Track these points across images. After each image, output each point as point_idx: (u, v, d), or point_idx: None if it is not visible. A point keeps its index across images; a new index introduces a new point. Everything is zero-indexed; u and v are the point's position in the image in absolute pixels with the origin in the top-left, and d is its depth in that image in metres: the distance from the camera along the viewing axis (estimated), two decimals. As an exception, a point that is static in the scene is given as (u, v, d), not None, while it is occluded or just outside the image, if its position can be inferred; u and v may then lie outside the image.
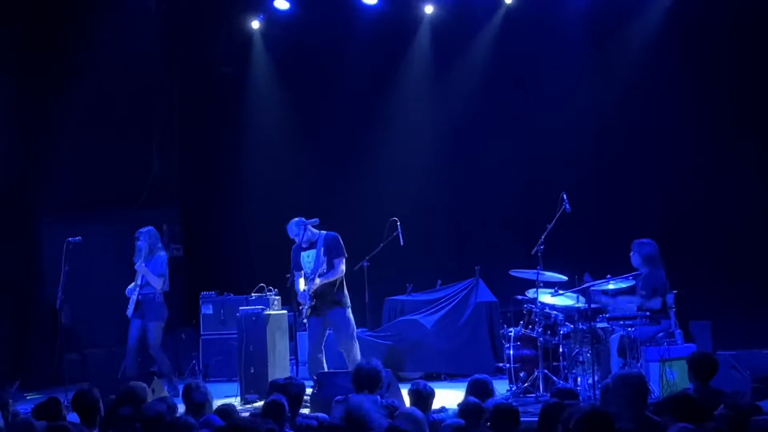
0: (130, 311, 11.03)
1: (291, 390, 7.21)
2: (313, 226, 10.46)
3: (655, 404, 6.36)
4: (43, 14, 12.82)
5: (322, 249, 10.30)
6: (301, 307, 10.37)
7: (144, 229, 11.25)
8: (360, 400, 6.30)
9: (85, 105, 13.16)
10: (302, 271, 10.43)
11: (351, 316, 10.39)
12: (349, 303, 10.41)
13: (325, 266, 10.22)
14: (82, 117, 13.21)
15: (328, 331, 10.43)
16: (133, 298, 10.97)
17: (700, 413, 5.76)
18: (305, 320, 10.43)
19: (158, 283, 11.06)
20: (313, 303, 10.23)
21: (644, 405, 6.33)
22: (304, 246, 10.40)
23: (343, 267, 10.32)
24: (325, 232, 10.44)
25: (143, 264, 11.04)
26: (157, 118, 14.49)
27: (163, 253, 11.28)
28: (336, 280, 10.31)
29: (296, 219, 10.45)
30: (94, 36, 13.22)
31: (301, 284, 10.39)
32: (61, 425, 5.78)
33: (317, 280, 10.17)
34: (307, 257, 10.41)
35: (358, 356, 10.12)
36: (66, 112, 13.09)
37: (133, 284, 11.09)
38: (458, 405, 6.75)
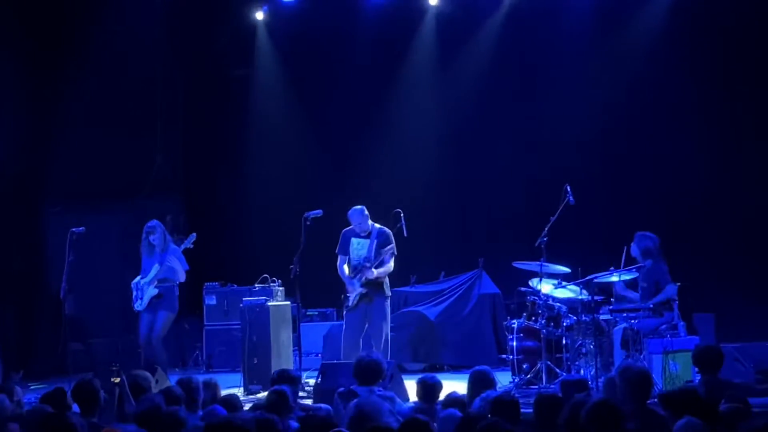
0: (142, 305, 10.91)
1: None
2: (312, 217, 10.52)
3: (657, 396, 6.36)
4: (50, 6, 12.82)
5: (376, 242, 10.36)
6: (348, 294, 10.39)
7: (155, 223, 11.12)
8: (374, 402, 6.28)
9: (89, 96, 13.17)
10: (347, 257, 10.48)
11: (389, 308, 10.48)
12: (390, 294, 10.51)
13: (372, 258, 10.28)
14: (87, 108, 13.23)
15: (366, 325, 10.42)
16: (149, 291, 10.87)
17: (704, 409, 5.76)
18: (351, 305, 10.36)
19: (183, 276, 11.02)
20: (364, 291, 10.28)
21: (647, 397, 6.35)
22: (362, 235, 10.45)
23: (393, 263, 10.41)
24: (378, 225, 10.49)
25: (172, 256, 10.96)
26: (162, 108, 14.49)
27: (176, 246, 11.27)
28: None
29: (359, 207, 10.46)
30: (99, 27, 13.22)
31: (346, 270, 10.44)
32: (61, 415, 5.78)
33: (374, 271, 10.23)
34: (357, 245, 10.44)
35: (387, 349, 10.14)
36: (71, 102, 13.11)
37: (141, 278, 10.99)
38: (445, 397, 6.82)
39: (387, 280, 10.46)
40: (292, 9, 14.44)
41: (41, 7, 12.73)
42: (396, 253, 10.44)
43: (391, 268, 10.44)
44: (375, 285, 10.32)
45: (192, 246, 11.16)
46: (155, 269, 10.88)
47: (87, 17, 13.14)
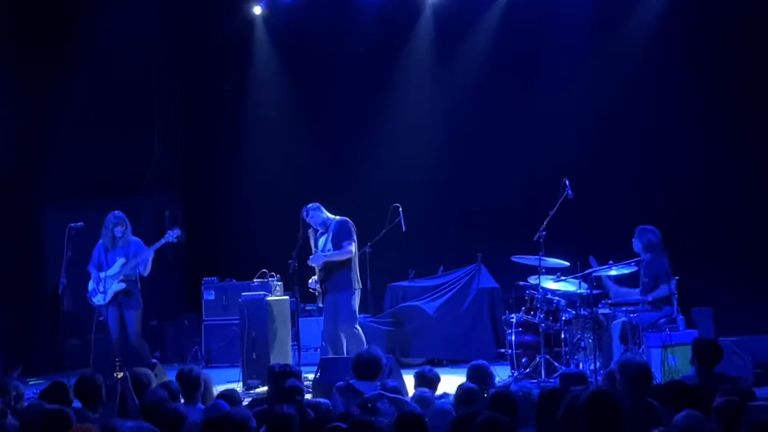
0: (105, 299, 10.66)
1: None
2: (309, 211, 10.53)
3: (652, 389, 6.37)
4: (45, 1, 12.79)
5: (332, 234, 10.36)
6: (314, 292, 10.44)
7: (122, 214, 10.89)
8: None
9: (86, 91, 13.11)
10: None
11: (355, 302, 10.33)
12: (356, 287, 10.37)
13: (332, 249, 10.26)
14: (84, 102, 13.17)
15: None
16: (114, 286, 10.69)
17: (696, 401, 5.76)
18: (321, 304, 10.44)
19: (148, 270, 10.79)
20: (322, 288, 10.28)
21: (647, 390, 6.35)
22: (321, 230, 10.48)
23: (351, 248, 10.27)
24: (337, 217, 10.47)
25: (147, 252, 10.81)
26: (159, 103, 14.47)
27: (137, 238, 11.06)
28: (344, 261, 10.28)
29: (310, 204, 10.49)
30: (95, 21, 13.17)
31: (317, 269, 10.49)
32: (63, 410, 5.77)
33: (324, 256, 10.23)
34: (322, 241, 10.47)
35: (362, 344, 10.04)
36: (67, 97, 13.06)
37: (103, 273, 10.66)
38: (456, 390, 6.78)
39: (353, 273, 10.33)
40: (289, 4, 14.43)
41: (36, 3, 12.69)
42: (355, 240, 10.29)
43: (348, 254, 10.22)
44: (334, 280, 10.27)
45: (175, 240, 11.04)
46: (120, 263, 10.68)
47: (83, 12, 13.09)
